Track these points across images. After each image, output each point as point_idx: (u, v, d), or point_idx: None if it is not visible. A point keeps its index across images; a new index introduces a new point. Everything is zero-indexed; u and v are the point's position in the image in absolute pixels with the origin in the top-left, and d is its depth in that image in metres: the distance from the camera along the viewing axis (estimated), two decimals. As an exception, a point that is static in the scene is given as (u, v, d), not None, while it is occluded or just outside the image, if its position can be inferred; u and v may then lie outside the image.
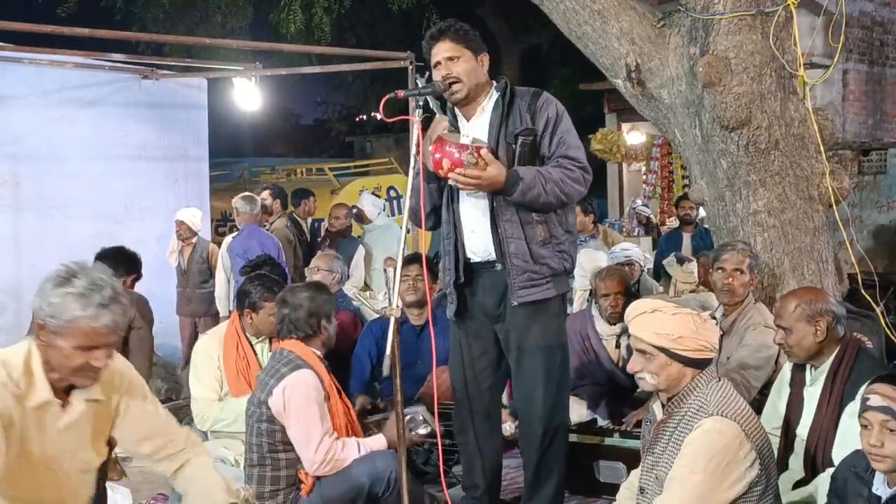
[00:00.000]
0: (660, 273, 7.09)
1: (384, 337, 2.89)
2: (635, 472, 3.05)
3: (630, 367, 2.84)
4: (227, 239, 7.06)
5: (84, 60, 7.70)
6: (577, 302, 5.82)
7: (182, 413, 4.80)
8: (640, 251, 6.31)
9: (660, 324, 2.72)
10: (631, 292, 4.92)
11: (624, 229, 10.76)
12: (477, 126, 3.46)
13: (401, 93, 3.23)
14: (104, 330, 2.34)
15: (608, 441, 4.15)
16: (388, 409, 4.49)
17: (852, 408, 2.82)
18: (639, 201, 11.98)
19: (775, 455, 3.01)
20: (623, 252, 5.98)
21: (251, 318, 4.19)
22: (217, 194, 11.50)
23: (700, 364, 2.74)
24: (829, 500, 2.75)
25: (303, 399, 3.38)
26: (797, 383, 3.37)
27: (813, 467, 3.17)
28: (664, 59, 4.40)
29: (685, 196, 7.85)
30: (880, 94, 11.90)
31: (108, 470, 3.88)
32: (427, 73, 3.42)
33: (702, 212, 7.01)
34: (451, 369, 3.68)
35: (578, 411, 4.53)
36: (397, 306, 2.87)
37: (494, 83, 3.51)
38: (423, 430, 3.70)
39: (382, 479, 3.38)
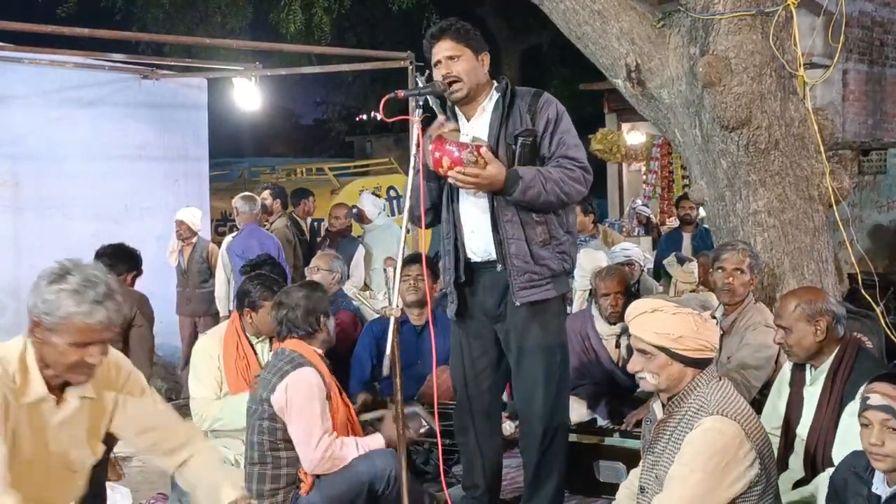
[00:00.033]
0: (660, 273, 7.09)
1: (384, 336, 2.90)
2: (635, 472, 3.05)
3: (630, 367, 2.84)
4: (227, 239, 7.06)
5: (84, 60, 7.70)
6: (577, 302, 5.82)
7: (182, 413, 4.79)
8: (640, 251, 6.31)
9: (660, 323, 2.72)
10: (631, 292, 4.92)
11: (624, 229, 10.76)
12: (477, 126, 3.46)
13: (401, 93, 3.23)
14: (99, 326, 2.35)
15: (608, 441, 4.15)
16: (389, 404, 4.49)
17: (852, 407, 2.82)
18: (639, 201, 11.98)
19: (775, 455, 3.01)
20: (623, 252, 5.98)
21: (251, 317, 4.19)
22: (217, 194, 11.51)
23: (700, 364, 2.74)
24: (829, 500, 2.75)
25: (305, 397, 3.39)
26: (797, 383, 3.38)
27: (813, 467, 3.17)
28: (664, 59, 4.40)
29: (685, 196, 7.85)
30: (880, 94, 11.91)
31: (105, 469, 3.90)
32: (427, 72, 3.42)
33: (702, 212, 7.01)
34: (452, 369, 3.68)
35: (578, 411, 4.53)
36: (397, 306, 2.87)
37: (495, 83, 3.51)
38: (421, 429, 3.70)
39: (382, 478, 3.39)
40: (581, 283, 5.71)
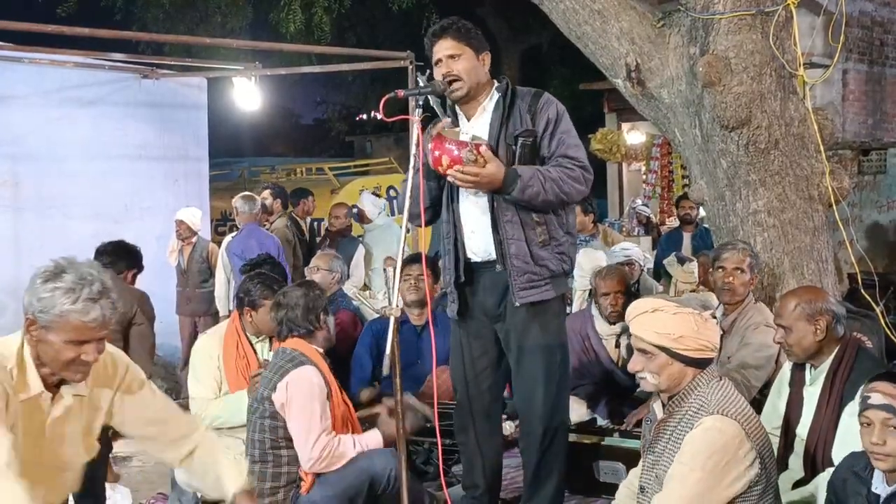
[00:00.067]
0: (660, 273, 7.09)
1: (384, 336, 2.90)
2: (634, 471, 3.05)
3: (631, 367, 2.84)
4: (227, 239, 7.06)
5: (84, 60, 7.71)
6: (577, 302, 5.83)
7: (182, 413, 4.80)
8: (639, 251, 6.31)
9: (661, 323, 2.72)
10: (631, 292, 4.93)
11: (624, 229, 10.76)
12: (477, 126, 3.46)
13: (401, 92, 3.22)
14: (94, 324, 2.35)
15: (608, 441, 4.15)
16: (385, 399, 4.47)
17: (852, 407, 2.82)
18: (639, 201, 11.98)
19: (775, 455, 3.01)
20: (623, 252, 5.98)
21: (251, 316, 4.19)
22: (217, 194, 11.52)
23: (701, 363, 2.74)
24: (828, 501, 2.75)
25: (305, 395, 3.40)
26: (797, 383, 3.38)
27: (813, 467, 3.17)
28: (664, 58, 4.40)
29: (685, 196, 7.85)
30: (880, 94, 11.90)
31: (105, 469, 3.91)
32: (428, 71, 3.42)
33: (702, 211, 7.01)
34: (452, 369, 3.68)
35: (578, 411, 4.53)
36: (397, 306, 2.87)
37: (496, 83, 3.50)
38: (417, 419, 3.70)
39: (382, 477, 3.39)
40: (581, 283, 5.71)
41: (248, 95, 8.54)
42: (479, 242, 3.46)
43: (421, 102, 3.18)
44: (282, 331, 3.61)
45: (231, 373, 4.16)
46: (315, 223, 9.76)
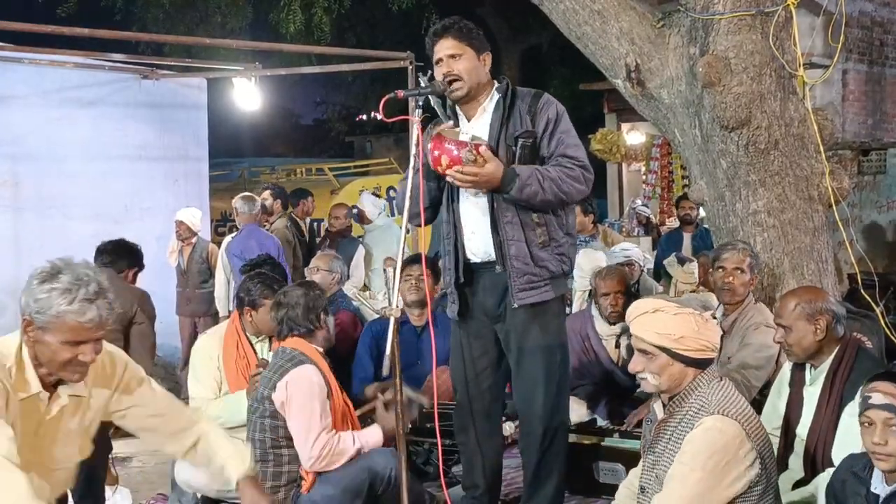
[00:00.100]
0: (660, 273, 7.09)
1: (384, 336, 2.90)
2: (634, 472, 3.05)
3: (631, 368, 2.83)
4: (227, 239, 7.06)
5: (84, 60, 7.71)
6: (577, 302, 5.83)
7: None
8: (639, 251, 6.31)
9: (661, 324, 2.72)
10: (631, 292, 4.93)
11: (624, 229, 10.76)
12: (477, 126, 3.46)
13: (401, 93, 3.22)
14: (90, 325, 2.36)
15: (607, 442, 4.15)
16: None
17: (852, 407, 2.82)
18: (638, 201, 11.99)
19: (775, 455, 3.01)
20: (623, 252, 5.98)
21: (251, 315, 4.19)
22: (217, 194, 11.52)
23: (702, 364, 2.74)
24: (828, 502, 2.75)
25: (305, 394, 3.40)
26: (797, 383, 3.38)
27: (813, 467, 3.17)
28: (664, 59, 4.40)
29: (685, 196, 7.85)
30: (880, 94, 11.90)
31: (104, 469, 3.91)
32: (430, 72, 3.42)
33: (702, 212, 7.01)
34: (453, 369, 3.68)
35: (578, 411, 4.53)
36: (397, 306, 2.87)
37: (496, 83, 3.50)
38: (416, 403, 3.69)
39: (382, 477, 3.40)
40: (581, 283, 5.71)
41: (248, 96, 8.54)
42: (478, 243, 3.46)
43: (421, 103, 3.18)
44: (282, 330, 3.62)
45: (231, 373, 4.16)
46: (315, 224, 9.76)
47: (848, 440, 2.87)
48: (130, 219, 7.78)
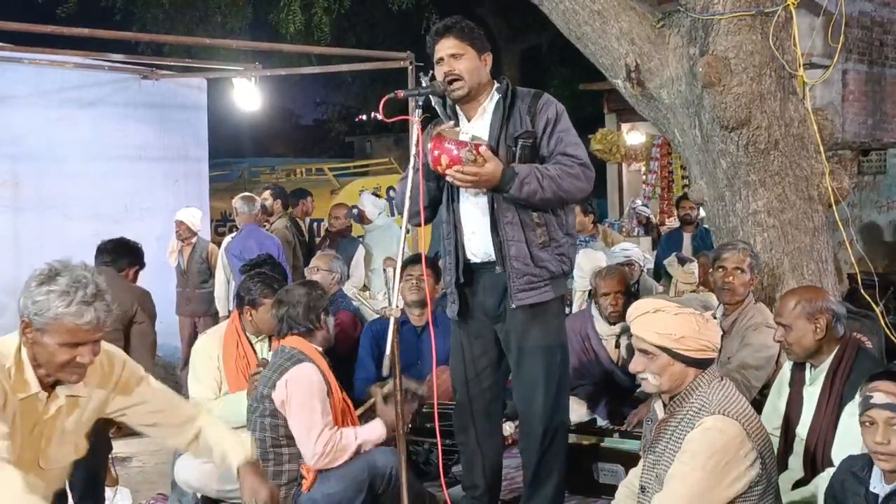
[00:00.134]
0: (660, 273, 7.09)
1: (384, 337, 2.90)
2: (634, 471, 3.05)
3: (632, 368, 2.83)
4: (227, 239, 7.06)
5: (84, 60, 7.71)
6: (577, 302, 5.83)
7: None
8: (639, 251, 6.31)
9: (662, 324, 2.72)
10: (631, 292, 4.93)
11: (624, 229, 10.76)
12: (478, 126, 3.46)
13: (400, 93, 3.22)
14: (88, 327, 2.38)
15: (607, 443, 4.14)
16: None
17: (852, 407, 2.82)
18: (638, 201, 11.99)
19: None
20: (623, 252, 5.98)
21: (251, 315, 4.19)
22: (217, 194, 11.52)
23: (702, 364, 2.74)
24: (827, 502, 2.75)
25: (305, 392, 3.41)
26: (797, 383, 3.38)
27: (812, 467, 3.17)
28: (664, 59, 4.40)
29: (686, 196, 7.85)
30: (880, 94, 11.90)
31: (105, 469, 3.91)
32: (431, 71, 3.41)
33: (702, 212, 7.01)
34: (453, 369, 3.67)
35: (578, 411, 4.53)
36: (397, 306, 2.87)
37: (496, 83, 3.50)
38: (414, 403, 3.69)
39: (383, 475, 3.40)
40: (581, 283, 5.71)
41: (248, 96, 8.54)
42: (478, 244, 3.46)
43: (421, 103, 3.18)
44: (282, 328, 3.63)
45: (231, 372, 4.16)
46: (315, 224, 9.76)
47: (848, 440, 2.87)
48: (130, 219, 7.78)
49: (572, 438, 3.97)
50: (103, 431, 3.63)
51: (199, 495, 3.86)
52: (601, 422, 4.60)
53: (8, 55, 7.11)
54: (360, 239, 7.79)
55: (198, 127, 8.69)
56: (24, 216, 7.20)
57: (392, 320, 2.83)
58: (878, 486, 2.54)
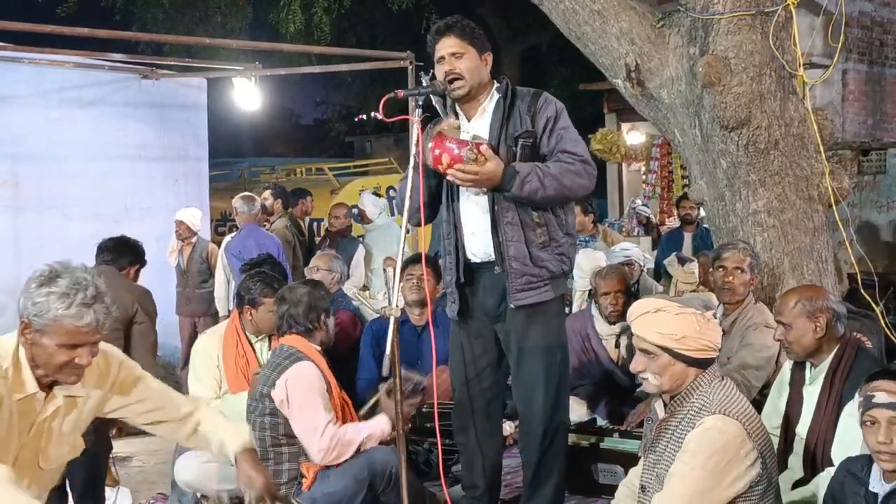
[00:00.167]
0: (660, 273, 7.09)
1: (384, 336, 2.90)
2: (634, 471, 3.05)
3: (633, 368, 2.83)
4: (226, 239, 7.06)
5: (84, 60, 7.71)
6: (577, 302, 5.83)
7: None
8: (639, 251, 6.31)
9: (663, 324, 2.72)
10: (631, 292, 4.93)
11: (624, 229, 10.76)
12: (478, 126, 3.46)
13: (400, 93, 3.22)
14: (87, 329, 2.40)
15: (606, 444, 4.14)
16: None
17: (851, 407, 2.82)
18: (638, 201, 11.99)
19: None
20: (623, 252, 5.98)
21: (251, 314, 4.20)
22: (217, 194, 11.52)
23: (703, 363, 2.74)
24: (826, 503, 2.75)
25: (306, 389, 3.41)
26: (797, 382, 3.38)
27: (812, 466, 3.17)
28: (664, 59, 4.40)
29: (686, 196, 7.85)
30: (880, 94, 11.90)
31: (105, 468, 3.92)
32: (431, 71, 3.41)
33: (703, 212, 7.01)
34: (452, 369, 3.67)
35: (578, 411, 4.53)
36: (397, 306, 2.87)
37: (496, 83, 3.50)
38: (417, 397, 3.68)
39: (383, 474, 3.40)
40: (581, 283, 5.71)
41: (248, 96, 8.54)
42: (478, 244, 3.46)
43: (421, 102, 3.18)
44: (282, 326, 3.65)
45: (231, 372, 4.16)
46: (315, 224, 9.75)
47: (847, 439, 2.87)
48: (130, 219, 7.77)
49: (572, 439, 3.96)
50: (103, 431, 3.64)
51: (199, 495, 3.86)
52: (601, 422, 4.60)
53: (8, 55, 7.11)
54: (361, 239, 7.79)
55: (198, 127, 8.69)
56: (24, 216, 7.20)
57: (392, 320, 2.83)
58: (878, 485, 2.53)
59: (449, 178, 3.30)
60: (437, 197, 3.53)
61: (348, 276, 6.69)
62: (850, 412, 2.81)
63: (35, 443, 2.55)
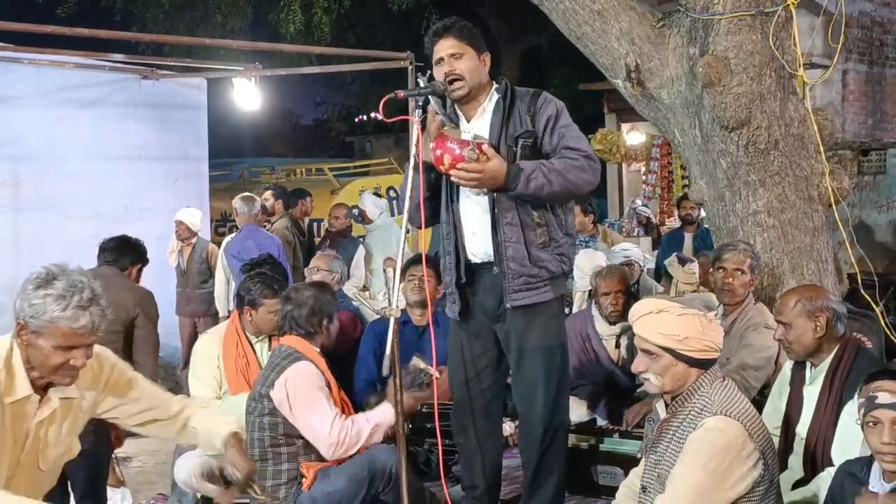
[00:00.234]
0: (661, 273, 7.09)
1: (385, 336, 2.90)
2: (635, 471, 3.05)
3: (635, 368, 2.83)
4: (226, 239, 7.06)
5: (84, 60, 7.71)
6: (577, 302, 5.83)
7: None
8: (639, 251, 6.31)
9: (666, 324, 2.72)
10: (631, 292, 4.93)
11: (624, 229, 10.77)
12: (478, 126, 3.46)
13: (400, 93, 3.22)
14: (83, 331, 2.42)
15: (605, 446, 4.15)
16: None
17: (851, 407, 2.82)
18: (639, 201, 11.99)
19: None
20: (623, 252, 5.98)
21: (251, 315, 4.19)
22: (217, 194, 11.52)
23: (705, 364, 2.74)
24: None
25: (307, 387, 3.42)
26: (797, 382, 3.38)
27: (812, 466, 3.17)
28: (664, 59, 4.40)
29: (686, 196, 7.85)
30: (880, 94, 11.90)
31: (106, 469, 3.92)
32: (429, 72, 3.41)
33: (703, 212, 7.01)
34: (451, 369, 3.67)
35: (578, 411, 4.52)
36: (397, 307, 2.87)
37: (495, 84, 3.50)
38: (425, 390, 3.68)
39: (383, 473, 3.40)
40: (581, 283, 5.71)
41: (248, 96, 8.54)
42: (478, 244, 3.46)
43: (421, 103, 3.18)
44: (283, 325, 3.65)
45: (231, 372, 4.16)
46: (315, 224, 9.75)
47: (847, 439, 2.88)
48: (130, 219, 7.78)
49: (572, 440, 3.96)
50: (104, 431, 3.64)
51: (199, 495, 3.86)
52: (601, 422, 4.60)
53: (8, 55, 7.11)
54: (361, 239, 7.79)
55: (198, 127, 8.70)
56: (24, 216, 7.20)
57: (392, 320, 2.83)
58: (877, 485, 2.53)
59: (452, 177, 3.30)
60: (438, 191, 3.53)
61: (348, 277, 6.69)
62: (850, 412, 2.81)
63: (35, 445, 2.55)
